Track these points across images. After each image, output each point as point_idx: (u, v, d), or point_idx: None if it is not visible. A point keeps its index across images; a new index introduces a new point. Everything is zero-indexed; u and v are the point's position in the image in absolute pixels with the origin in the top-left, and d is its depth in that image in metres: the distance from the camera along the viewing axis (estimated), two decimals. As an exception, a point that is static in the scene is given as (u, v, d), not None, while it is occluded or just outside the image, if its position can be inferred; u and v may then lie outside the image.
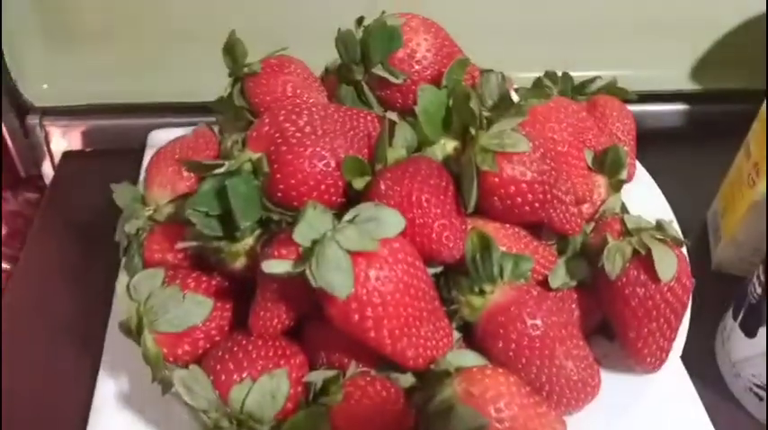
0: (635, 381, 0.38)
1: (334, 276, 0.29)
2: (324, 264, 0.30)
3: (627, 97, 0.46)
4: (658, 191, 0.47)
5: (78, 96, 0.61)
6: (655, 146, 0.50)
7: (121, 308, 0.36)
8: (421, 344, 0.32)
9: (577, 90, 0.47)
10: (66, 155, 0.63)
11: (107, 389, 0.42)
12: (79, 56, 0.60)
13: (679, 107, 0.65)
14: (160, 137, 0.57)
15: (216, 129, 0.46)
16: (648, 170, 0.49)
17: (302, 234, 0.31)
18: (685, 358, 0.41)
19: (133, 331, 0.35)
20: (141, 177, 0.48)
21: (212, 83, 0.44)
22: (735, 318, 0.43)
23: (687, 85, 0.64)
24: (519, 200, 0.34)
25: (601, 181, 0.41)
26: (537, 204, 0.34)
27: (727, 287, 0.47)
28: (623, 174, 0.41)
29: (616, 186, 0.41)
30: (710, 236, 0.54)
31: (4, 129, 0.60)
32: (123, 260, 0.39)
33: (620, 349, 0.38)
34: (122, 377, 0.42)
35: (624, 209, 0.42)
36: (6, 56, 0.58)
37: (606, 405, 0.36)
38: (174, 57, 0.60)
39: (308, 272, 0.30)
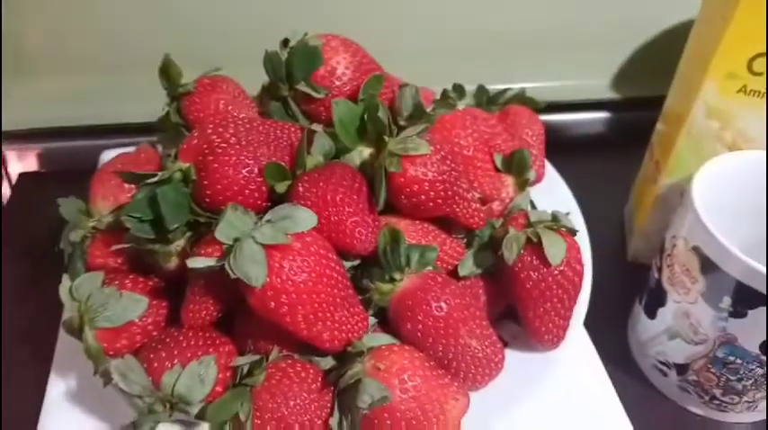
0: (543, 359, 0.41)
1: (250, 267, 0.33)
2: (241, 257, 0.33)
3: (536, 106, 0.51)
4: (566, 189, 0.51)
5: (34, 120, 0.65)
6: (578, 152, 0.54)
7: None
8: (336, 328, 0.36)
9: (491, 101, 0.51)
10: (23, 176, 0.66)
11: (58, 387, 0.44)
12: (33, 82, 0.63)
13: (601, 115, 0.70)
14: (112, 156, 0.60)
15: (159, 146, 0.50)
16: (572, 175, 0.53)
17: (224, 232, 0.34)
18: (602, 342, 0.46)
19: (75, 329, 0.38)
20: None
21: (158, 104, 0.48)
22: (640, 303, 0.48)
23: (607, 94, 0.69)
24: (423, 197, 0.38)
25: (509, 181, 0.45)
26: (440, 200, 0.38)
27: (640, 276, 0.51)
28: (529, 175, 0.46)
29: (522, 185, 0.45)
30: (626, 230, 0.59)
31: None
32: (67, 266, 0.42)
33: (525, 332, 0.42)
34: (72, 375, 0.45)
35: (533, 206, 0.47)
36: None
37: (514, 380, 0.40)
38: (123, 81, 0.63)
39: (227, 265, 0.33)
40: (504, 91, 0.51)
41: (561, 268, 0.39)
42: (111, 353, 0.38)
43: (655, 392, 0.47)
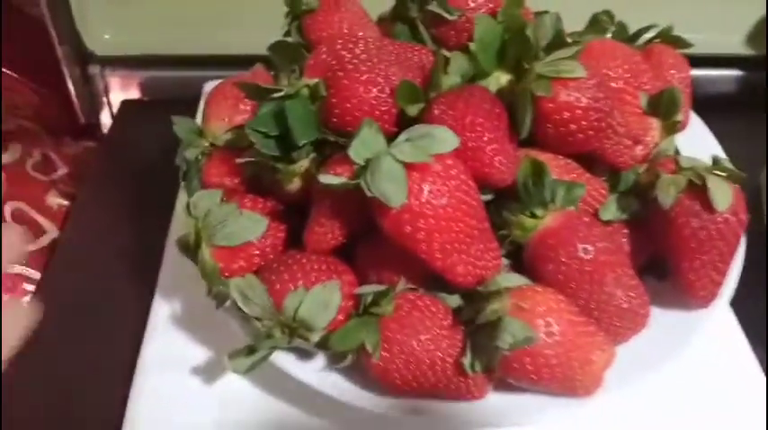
0: (686, 320, 0.37)
1: (388, 186, 0.30)
2: (378, 174, 0.30)
3: (684, 46, 0.45)
4: (713, 138, 0.46)
5: (138, 47, 0.64)
6: (708, 111, 0.49)
7: (179, 226, 0.37)
8: (471, 262, 0.33)
9: (632, 39, 0.47)
10: (125, 104, 0.65)
11: (162, 311, 0.43)
12: (141, 7, 0.62)
13: (733, 72, 0.64)
14: (214, 87, 0.59)
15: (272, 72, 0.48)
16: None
17: (357, 151, 0.32)
18: (739, 313, 0.41)
19: (191, 246, 0.36)
20: (198, 114, 0.50)
21: (265, 36, 0.45)
22: None
23: (742, 50, 0.63)
24: (573, 126, 0.34)
25: (655, 123, 0.41)
26: (591, 132, 0.34)
27: None
28: (678, 116, 0.41)
29: (670, 129, 0.41)
30: (764, 196, 0.53)
31: (67, 77, 0.63)
32: (182, 183, 0.41)
33: (670, 288, 0.38)
34: (177, 299, 0.44)
35: (678, 153, 0.42)
36: (72, 5, 0.60)
37: (654, 342, 0.36)
38: (231, 9, 0.62)
39: (362, 182, 0.31)
40: (647, 28, 0.46)
41: (726, 215, 0.34)
42: (227, 274, 0.36)
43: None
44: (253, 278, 0.33)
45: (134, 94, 0.66)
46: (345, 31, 0.42)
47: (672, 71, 0.45)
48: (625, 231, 0.38)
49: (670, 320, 0.37)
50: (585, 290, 0.34)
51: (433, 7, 0.41)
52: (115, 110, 0.66)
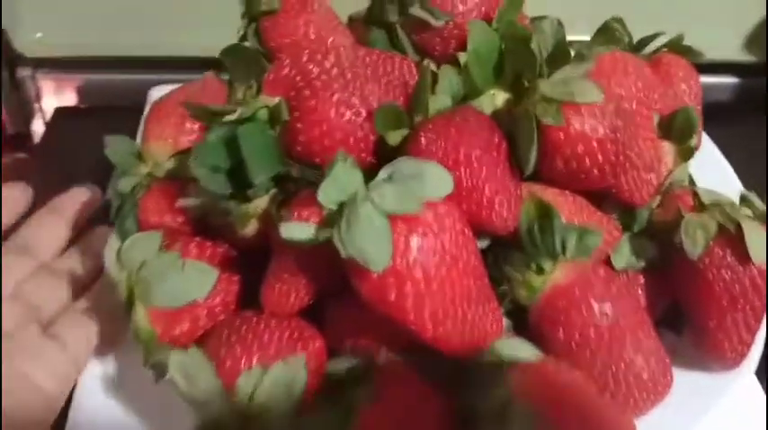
0: (710, 385, 0.32)
1: (368, 244, 0.24)
2: (356, 227, 0.24)
3: (696, 58, 0.40)
4: (726, 163, 0.41)
5: (74, 47, 0.56)
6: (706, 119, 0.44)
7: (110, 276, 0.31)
8: (467, 330, 0.27)
9: (636, 48, 0.41)
10: (59, 111, 0.57)
11: (94, 370, 0.36)
12: (76, 2, 0.54)
13: (732, 80, 0.59)
14: (161, 94, 0.51)
15: (225, 79, 0.41)
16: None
17: (328, 194, 0.26)
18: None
19: (122, 304, 0.30)
20: (139, 131, 0.43)
21: (220, 36, 0.39)
22: None
23: (740, 56, 0.58)
24: (587, 161, 0.29)
25: (667, 148, 0.36)
26: (607, 167, 0.29)
27: None
28: (694, 141, 0.36)
29: (685, 154, 0.36)
30: None
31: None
32: (115, 221, 0.34)
33: (688, 342, 0.33)
34: (111, 357, 0.37)
35: (692, 181, 0.37)
36: (-4, 1, 0.52)
37: (674, 410, 0.30)
38: (178, 6, 0.54)
39: (336, 237, 0.24)
40: (654, 36, 0.40)
41: (762, 267, 0.29)
42: (167, 339, 0.30)
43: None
44: (197, 354, 0.27)
45: (69, 100, 0.58)
46: (312, 36, 0.36)
47: (682, 85, 0.39)
48: (640, 279, 0.33)
49: (693, 384, 0.32)
50: (602, 358, 0.28)
51: (416, 11, 0.34)
52: (48, 117, 0.57)
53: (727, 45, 0.59)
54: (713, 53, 0.56)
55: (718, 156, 0.42)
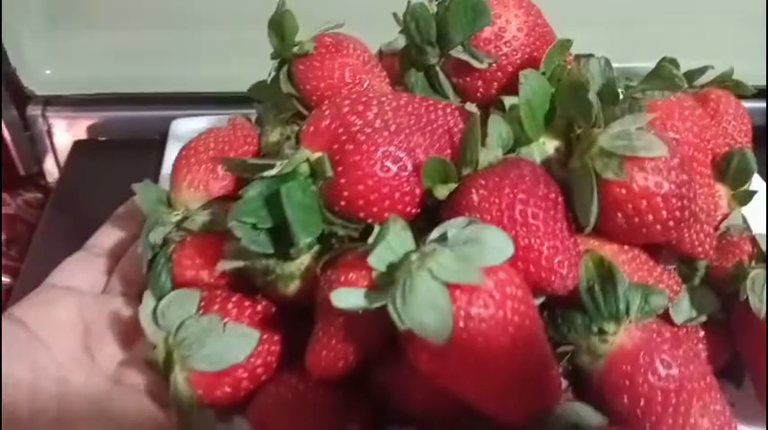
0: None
1: (428, 315, 0.23)
2: (414, 299, 0.23)
3: (745, 92, 0.39)
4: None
5: (86, 84, 0.54)
6: None
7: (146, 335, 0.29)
8: (529, 399, 0.25)
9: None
10: (78, 144, 0.56)
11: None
12: (87, 37, 0.53)
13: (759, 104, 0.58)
14: (184, 127, 0.50)
15: (253, 120, 0.39)
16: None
17: (381, 257, 0.24)
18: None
19: (160, 367, 0.28)
20: (163, 173, 0.41)
21: (243, 71, 0.37)
22: None
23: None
24: (650, 217, 0.27)
25: (722, 191, 0.34)
26: (672, 223, 0.27)
27: None
28: (749, 185, 0.34)
29: (742, 199, 0.34)
30: None
31: (2, 121, 0.53)
32: (148, 278, 0.32)
33: (748, 397, 0.31)
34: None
35: (747, 226, 0.35)
36: (4, 37, 0.50)
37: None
38: (196, 40, 0.53)
39: (392, 308, 0.23)
40: (703, 69, 0.39)
41: (833, 325, 0.28)
42: (208, 402, 0.28)
43: None
44: (243, 424, 0.26)
45: (81, 137, 0.57)
46: (348, 80, 0.35)
47: (732, 123, 0.38)
48: (700, 332, 0.31)
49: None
50: (668, 423, 0.27)
51: (458, 53, 0.33)
52: (61, 156, 0.56)
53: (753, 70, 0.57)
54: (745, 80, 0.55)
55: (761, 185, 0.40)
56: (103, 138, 0.57)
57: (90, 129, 0.56)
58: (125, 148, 0.54)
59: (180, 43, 0.54)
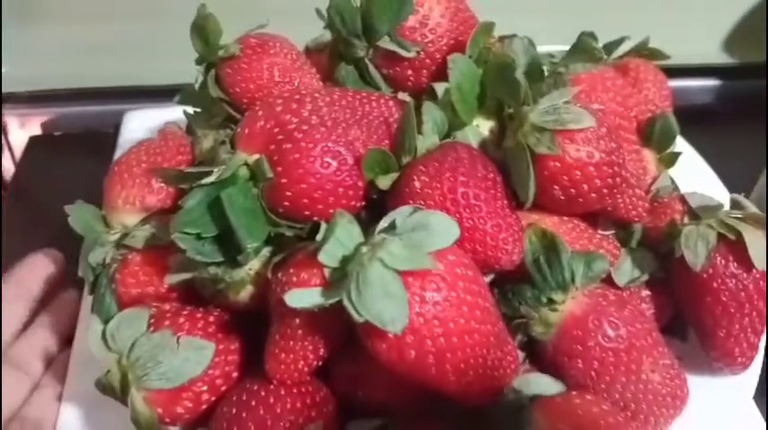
0: (727, 389, 0.32)
1: (384, 305, 0.23)
2: (368, 289, 0.23)
3: (662, 59, 0.40)
4: (704, 164, 0.41)
5: (40, 80, 0.54)
6: (686, 124, 0.45)
7: (93, 356, 0.28)
8: (488, 375, 0.26)
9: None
10: (33, 140, 0.55)
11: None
12: (42, 35, 0.52)
13: (711, 82, 0.60)
14: (136, 119, 0.49)
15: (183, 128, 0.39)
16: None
17: (331, 253, 0.24)
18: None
19: (116, 390, 0.27)
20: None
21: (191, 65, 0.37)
22: None
23: (718, 59, 0.59)
24: (585, 187, 0.28)
25: (649, 156, 0.36)
26: (606, 190, 0.28)
27: None
28: (674, 147, 0.36)
29: (668, 161, 0.36)
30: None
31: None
32: (90, 299, 0.31)
33: (694, 349, 0.33)
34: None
35: (675, 187, 0.37)
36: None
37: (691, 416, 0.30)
38: (148, 35, 0.53)
39: (347, 302, 0.23)
40: (620, 40, 0.40)
41: (764, 272, 0.29)
42: (168, 420, 0.28)
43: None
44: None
45: (36, 133, 0.56)
46: (278, 79, 0.34)
47: (653, 90, 0.40)
48: (643, 293, 0.32)
49: (708, 391, 0.32)
50: (621, 382, 0.28)
51: (385, 43, 0.33)
52: (17, 152, 0.55)
53: (706, 48, 0.59)
54: (693, 58, 0.57)
55: (696, 157, 0.42)
56: (59, 134, 0.56)
57: (44, 126, 0.56)
58: (80, 143, 0.53)
59: (132, 37, 0.54)
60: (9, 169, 0.55)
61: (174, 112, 0.39)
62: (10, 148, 0.55)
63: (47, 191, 0.50)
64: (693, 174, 0.39)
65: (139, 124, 0.47)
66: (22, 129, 0.55)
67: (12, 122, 0.55)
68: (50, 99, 0.55)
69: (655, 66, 0.40)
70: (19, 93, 0.54)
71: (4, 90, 0.54)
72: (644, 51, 0.40)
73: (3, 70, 0.53)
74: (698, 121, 0.49)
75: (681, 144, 0.42)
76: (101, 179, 0.35)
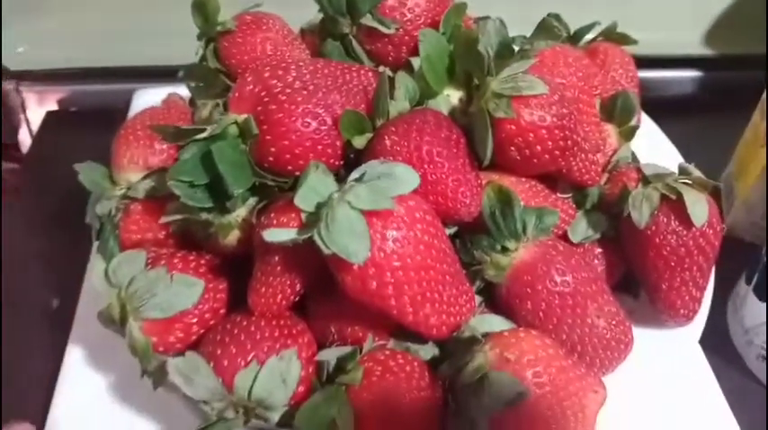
0: (659, 339, 0.35)
1: (348, 240, 0.26)
2: (335, 226, 0.26)
3: (628, 43, 0.43)
4: (665, 137, 0.44)
5: (57, 60, 0.58)
6: (664, 113, 0.47)
7: (97, 295, 0.32)
8: (444, 310, 0.29)
9: (573, 39, 0.44)
10: (49, 115, 0.59)
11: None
12: (58, 15, 0.56)
13: (690, 73, 0.63)
14: (146, 97, 0.53)
15: (187, 100, 0.42)
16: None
17: (305, 198, 0.28)
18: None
19: (116, 320, 0.31)
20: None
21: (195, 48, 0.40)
22: (748, 283, 0.41)
23: (698, 50, 0.61)
24: (538, 148, 0.31)
25: (611, 130, 0.39)
26: (557, 152, 0.31)
27: (737, 253, 0.41)
28: (634, 122, 0.39)
29: (627, 134, 0.39)
30: (723, 200, 0.51)
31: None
32: (96, 244, 0.35)
33: (644, 305, 0.36)
34: (99, 373, 0.38)
35: (635, 159, 0.40)
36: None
37: (637, 364, 0.33)
38: (158, 17, 0.55)
39: (316, 237, 0.26)
40: (590, 26, 0.43)
41: (704, 229, 0.32)
42: (162, 348, 0.31)
43: (758, 385, 0.40)
44: (195, 357, 0.29)
45: (52, 109, 0.60)
46: (270, 52, 0.38)
47: (619, 71, 0.43)
48: (596, 251, 0.35)
49: (648, 339, 0.35)
50: (567, 324, 0.31)
51: (367, 21, 0.37)
52: (34, 127, 0.59)
53: (688, 39, 0.61)
54: (675, 49, 0.59)
55: (657, 132, 0.45)
56: (74, 109, 0.61)
57: (60, 102, 0.60)
58: (94, 118, 0.57)
59: (144, 22, 0.57)
60: (27, 141, 0.59)
61: (180, 91, 0.42)
62: (28, 123, 0.59)
63: (61, 161, 0.53)
64: (655, 148, 0.42)
65: (148, 101, 0.50)
66: (40, 106, 0.59)
67: (30, 99, 0.59)
68: (66, 78, 0.59)
69: (622, 49, 0.43)
70: (37, 71, 0.58)
71: (23, 68, 0.58)
72: (613, 36, 0.43)
73: (20, 50, 0.57)
74: (678, 112, 0.52)
75: (647, 123, 0.45)
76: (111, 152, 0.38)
